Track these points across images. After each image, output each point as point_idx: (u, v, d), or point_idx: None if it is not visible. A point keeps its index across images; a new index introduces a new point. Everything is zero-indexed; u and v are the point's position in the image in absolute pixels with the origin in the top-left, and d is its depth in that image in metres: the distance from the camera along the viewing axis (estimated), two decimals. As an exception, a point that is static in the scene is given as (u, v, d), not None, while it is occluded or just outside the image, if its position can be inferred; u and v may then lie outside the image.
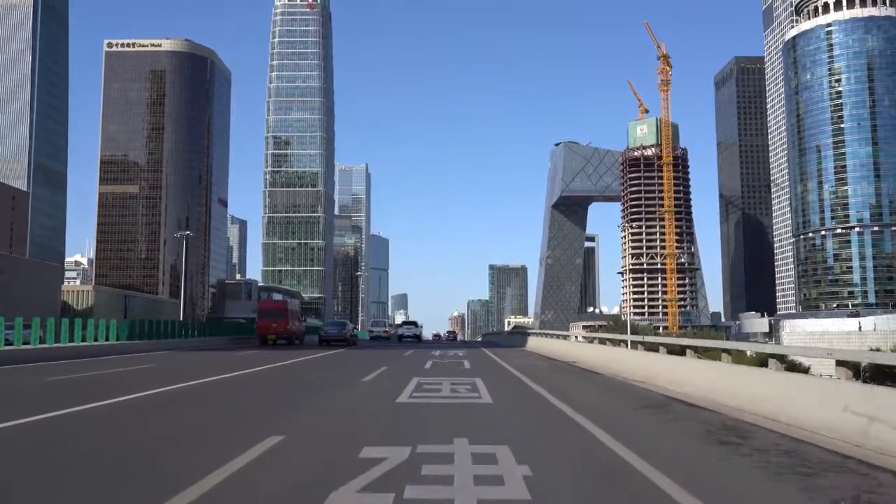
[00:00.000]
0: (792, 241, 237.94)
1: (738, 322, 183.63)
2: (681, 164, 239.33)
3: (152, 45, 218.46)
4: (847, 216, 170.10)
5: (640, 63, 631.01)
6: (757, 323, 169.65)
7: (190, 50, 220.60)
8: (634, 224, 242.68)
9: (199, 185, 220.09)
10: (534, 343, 39.78)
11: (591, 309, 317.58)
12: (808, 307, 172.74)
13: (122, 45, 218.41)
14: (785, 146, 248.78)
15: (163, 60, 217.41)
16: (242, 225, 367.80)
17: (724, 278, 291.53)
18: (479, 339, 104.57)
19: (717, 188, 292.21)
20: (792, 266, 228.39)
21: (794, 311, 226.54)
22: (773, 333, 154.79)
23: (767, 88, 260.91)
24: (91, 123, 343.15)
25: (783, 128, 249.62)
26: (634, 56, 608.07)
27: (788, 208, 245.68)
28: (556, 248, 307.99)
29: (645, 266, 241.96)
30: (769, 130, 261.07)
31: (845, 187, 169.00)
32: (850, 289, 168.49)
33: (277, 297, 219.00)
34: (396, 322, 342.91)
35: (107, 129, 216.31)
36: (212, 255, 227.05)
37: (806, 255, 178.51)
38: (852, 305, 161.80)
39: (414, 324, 63.52)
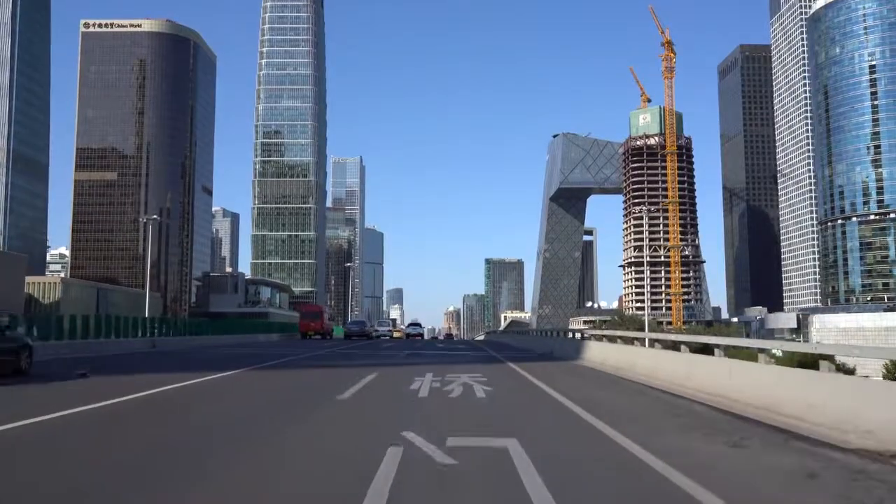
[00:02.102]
0: (805, 231, 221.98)
1: (759, 317, 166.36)
2: (685, 153, 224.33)
3: (131, 25, 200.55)
4: (882, 201, 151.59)
5: (639, 55, 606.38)
6: (783, 318, 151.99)
7: (172, 31, 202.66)
8: (636, 216, 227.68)
9: (181, 173, 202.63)
10: (601, 354, 21.62)
11: (589, 304, 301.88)
12: (836, 301, 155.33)
13: (100, 25, 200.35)
14: (793, 135, 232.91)
15: (143, 42, 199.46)
16: (234, 218, 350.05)
17: (727, 272, 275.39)
18: (482, 339, 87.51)
19: (721, 180, 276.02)
20: (810, 257, 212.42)
21: (808, 305, 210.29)
22: (801, 330, 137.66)
23: (774, 76, 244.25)
24: (67, 108, 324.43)
25: (791, 116, 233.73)
26: (633, 48, 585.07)
27: (797, 199, 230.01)
28: (553, 241, 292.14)
29: (648, 259, 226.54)
30: (776, 119, 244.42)
31: (880, 169, 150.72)
32: (885, 280, 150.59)
33: (266, 290, 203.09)
34: (391, 317, 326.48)
35: (83, 114, 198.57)
36: (196, 245, 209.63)
37: (834, 244, 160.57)
38: (888, 299, 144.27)
39: (419, 325, 73.69)
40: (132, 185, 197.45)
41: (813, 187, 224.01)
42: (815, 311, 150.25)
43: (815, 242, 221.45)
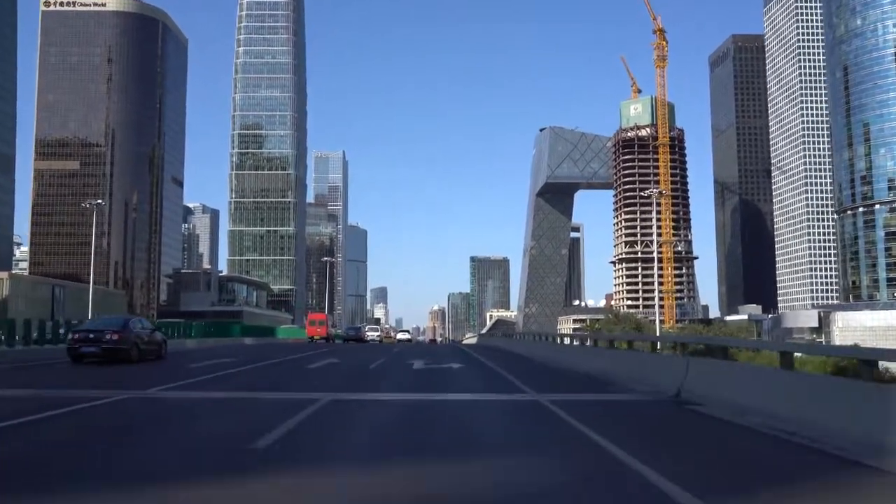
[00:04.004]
0: (801, 226, 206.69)
1: (772, 315, 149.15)
2: (677, 145, 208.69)
3: (95, 3, 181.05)
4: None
5: (627, 48, 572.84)
6: (802, 316, 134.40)
7: (139, 11, 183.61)
8: (627, 210, 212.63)
9: (149, 163, 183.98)
10: None
11: (576, 302, 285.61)
12: (857, 297, 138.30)
13: (61, 3, 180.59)
14: (788, 128, 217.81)
15: (108, 21, 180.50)
16: (214, 214, 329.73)
17: (718, 269, 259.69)
18: (473, 342, 69.88)
19: (712, 174, 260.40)
20: (805, 253, 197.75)
21: (805, 301, 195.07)
22: (822, 328, 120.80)
23: (768, 67, 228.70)
24: (26, 92, 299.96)
25: (787, 108, 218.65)
26: (621, 42, 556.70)
27: (792, 193, 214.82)
28: (540, 238, 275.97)
29: (639, 255, 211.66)
30: (770, 111, 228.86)
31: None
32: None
33: (242, 288, 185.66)
34: (376, 316, 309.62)
35: (43, 99, 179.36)
36: (165, 240, 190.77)
37: (854, 234, 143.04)
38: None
39: (408, 331, 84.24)
40: (96, 175, 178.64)
41: (808, 180, 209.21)
42: (836, 308, 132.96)
43: (811, 237, 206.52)
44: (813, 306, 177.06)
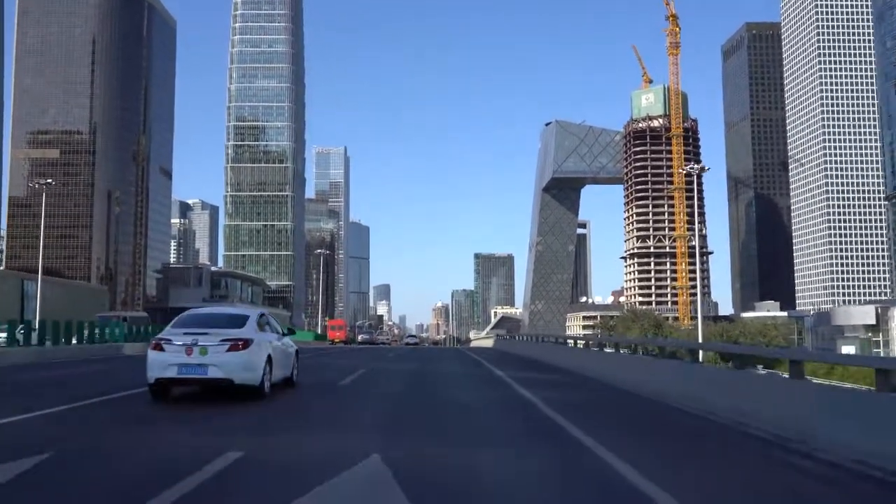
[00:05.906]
0: (820, 221, 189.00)
1: (813, 311, 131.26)
2: (691, 136, 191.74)
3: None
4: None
5: (636, 37, 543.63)
6: (855, 312, 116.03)
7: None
8: (639, 204, 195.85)
9: (135, 152, 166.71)
10: None
11: (583, 299, 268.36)
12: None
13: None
14: (807, 119, 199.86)
15: (89, 0, 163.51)
16: (213, 210, 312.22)
17: (732, 265, 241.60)
18: (489, 346, 50.35)
19: (725, 167, 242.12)
20: (826, 248, 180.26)
21: (822, 301, 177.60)
22: (880, 326, 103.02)
23: (785, 55, 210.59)
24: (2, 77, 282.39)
25: (805, 98, 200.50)
26: (630, 31, 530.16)
27: (811, 186, 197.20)
28: (546, 234, 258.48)
29: (652, 250, 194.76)
30: (787, 102, 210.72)
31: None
32: None
33: (236, 283, 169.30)
34: (379, 313, 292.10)
35: (20, 83, 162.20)
36: (152, 234, 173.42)
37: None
38: None
39: (414, 335, 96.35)
40: (77, 164, 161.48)
41: (829, 172, 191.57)
42: (893, 303, 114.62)
43: (832, 232, 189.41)
44: (837, 303, 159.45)
